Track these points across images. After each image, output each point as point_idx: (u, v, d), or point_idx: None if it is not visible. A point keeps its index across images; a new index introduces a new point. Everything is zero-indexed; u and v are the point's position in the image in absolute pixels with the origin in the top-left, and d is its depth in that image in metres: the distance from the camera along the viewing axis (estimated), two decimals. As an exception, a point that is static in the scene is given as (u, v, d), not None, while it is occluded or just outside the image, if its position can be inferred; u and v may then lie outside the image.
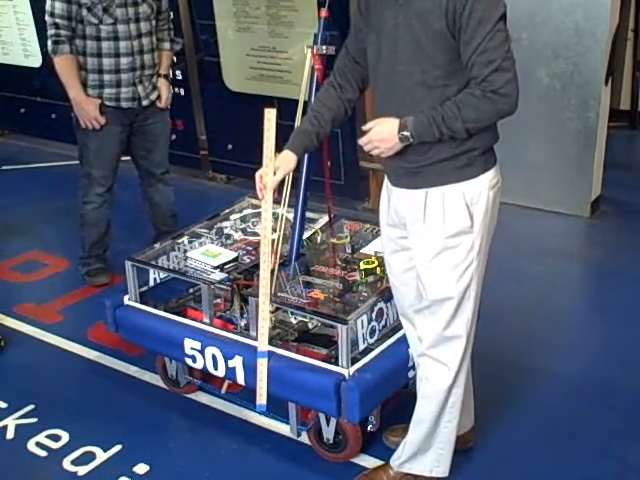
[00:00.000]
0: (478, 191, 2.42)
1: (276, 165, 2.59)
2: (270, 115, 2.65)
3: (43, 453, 3.09)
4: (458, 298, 2.49)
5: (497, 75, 2.23)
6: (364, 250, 3.27)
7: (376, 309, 2.91)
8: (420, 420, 2.67)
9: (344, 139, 4.87)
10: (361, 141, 2.43)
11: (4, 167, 6.15)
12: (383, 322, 2.97)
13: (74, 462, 3.03)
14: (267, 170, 2.60)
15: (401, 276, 2.67)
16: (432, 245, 2.46)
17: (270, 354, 2.85)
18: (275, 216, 2.98)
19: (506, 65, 2.24)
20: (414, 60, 2.33)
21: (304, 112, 2.86)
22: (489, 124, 2.36)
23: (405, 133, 2.34)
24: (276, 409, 3.00)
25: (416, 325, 2.65)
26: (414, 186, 2.46)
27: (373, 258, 3.13)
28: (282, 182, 2.75)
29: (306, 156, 2.98)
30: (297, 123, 2.94)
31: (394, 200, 2.56)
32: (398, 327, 2.95)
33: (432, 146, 2.38)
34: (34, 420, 3.27)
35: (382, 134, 2.38)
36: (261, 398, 2.86)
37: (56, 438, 3.16)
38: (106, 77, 3.98)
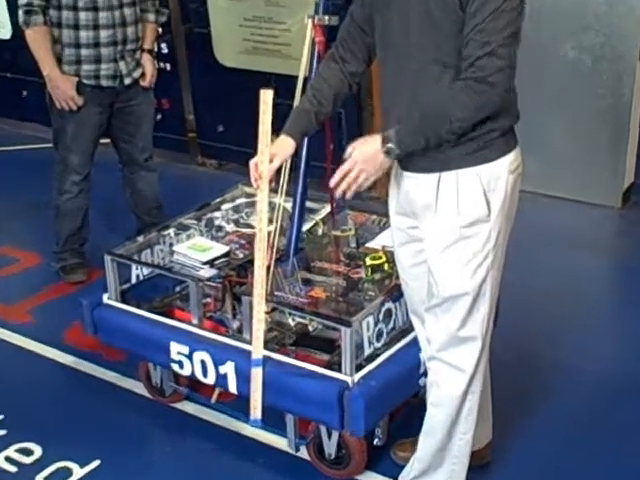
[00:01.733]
0: (496, 175, 2.41)
1: (272, 152, 2.59)
2: (266, 97, 2.64)
3: (13, 469, 3.09)
4: (473, 294, 2.48)
5: (488, 60, 2.23)
6: (370, 244, 3.27)
7: (383, 310, 2.91)
8: (431, 431, 2.66)
9: (348, 121, 4.86)
10: (341, 171, 2.41)
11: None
12: (391, 324, 2.97)
13: (47, 479, 3.03)
14: (262, 158, 2.60)
15: (412, 270, 2.67)
16: (445, 236, 2.45)
17: (266, 360, 2.84)
18: (272, 206, 2.98)
19: (501, 52, 2.24)
20: (427, 33, 2.33)
21: (304, 90, 2.85)
22: (476, 119, 2.34)
23: (390, 145, 2.34)
24: (272, 421, 2.99)
25: (426, 325, 2.64)
26: (426, 170, 2.45)
27: (380, 253, 3.13)
28: (279, 169, 2.74)
29: (306, 139, 2.97)
30: (296, 102, 2.93)
31: (404, 186, 2.55)
32: (408, 329, 2.95)
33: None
34: (3, 432, 3.27)
35: (364, 154, 2.38)
36: (255, 411, 2.86)
37: (28, 452, 3.16)
38: (84, 52, 3.97)
